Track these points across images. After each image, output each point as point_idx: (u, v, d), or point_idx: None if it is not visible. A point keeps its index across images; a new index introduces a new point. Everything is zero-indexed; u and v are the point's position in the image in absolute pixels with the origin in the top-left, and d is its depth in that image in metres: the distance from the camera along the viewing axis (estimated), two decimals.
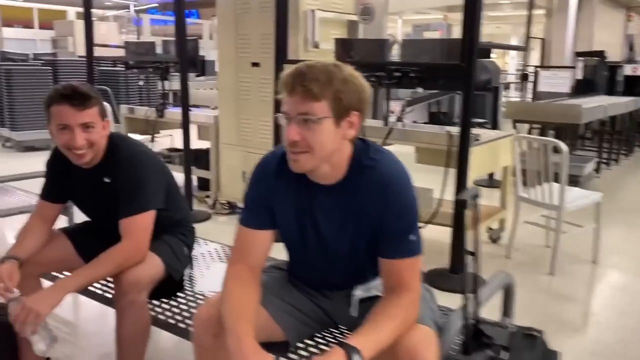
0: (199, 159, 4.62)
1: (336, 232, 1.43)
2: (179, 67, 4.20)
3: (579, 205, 3.33)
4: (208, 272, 2.16)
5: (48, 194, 1.97)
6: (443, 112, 9.65)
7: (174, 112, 4.75)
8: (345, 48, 3.73)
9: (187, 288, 2.03)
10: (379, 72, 3.50)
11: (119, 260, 1.75)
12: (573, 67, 7.36)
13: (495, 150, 3.54)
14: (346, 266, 1.49)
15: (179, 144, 5.59)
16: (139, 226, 1.82)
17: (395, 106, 7.14)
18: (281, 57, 3.65)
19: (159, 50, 4.82)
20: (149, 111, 4.70)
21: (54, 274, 2.10)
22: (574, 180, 4.33)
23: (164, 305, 1.93)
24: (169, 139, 5.17)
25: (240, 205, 4.43)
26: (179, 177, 2.83)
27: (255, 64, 4.05)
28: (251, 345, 1.26)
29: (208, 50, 11.13)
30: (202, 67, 5.08)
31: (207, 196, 4.61)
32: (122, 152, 1.86)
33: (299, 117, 1.29)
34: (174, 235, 2.04)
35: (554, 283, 3.24)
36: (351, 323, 1.57)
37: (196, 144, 4.52)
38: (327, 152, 1.33)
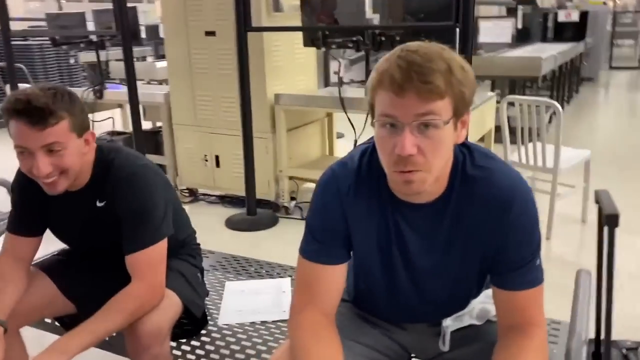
0: (148, 142, 4.13)
1: (434, 262, 1.14)
2: (117, 40, 3.66)
3: (572, 166, 3.24)
4: (221, 295, 1.82)
5: (19, 226, 1.54)
6: None
7: (115, 92, 4.20)
8: (315, 9, 3.35)
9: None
10: (357, 36, 3.18)
11: (132, 307, 1.39)
12: (514, 17, 7.30)
13: (483, 114, 3.36)
14: (443, 299, 1.22)
15: (120, 127, 5.07)
16: (152, 262, 1.45)
17: (336, 65, 6.82)
18: (243, 23, 3.23)
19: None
20: (85, 92, 4.10)
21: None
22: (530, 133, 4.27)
23: (184, 348, 1.59)
24: (109, 122, 4.59)
25: (203, 191, 4.12)
26: None
27: (209, 33, 3.58)
28: None
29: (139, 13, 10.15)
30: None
31: None
32: (119, 169, 1.46)
33: (416, 123, 0.97)
34: (184, 259, 1.69)
35: (553, 248, 3.15)
36: (431, 357, 1.32)
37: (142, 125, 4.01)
38: (444, 164, 1.04)
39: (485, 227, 1.08)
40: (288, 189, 3.70)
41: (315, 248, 1.15)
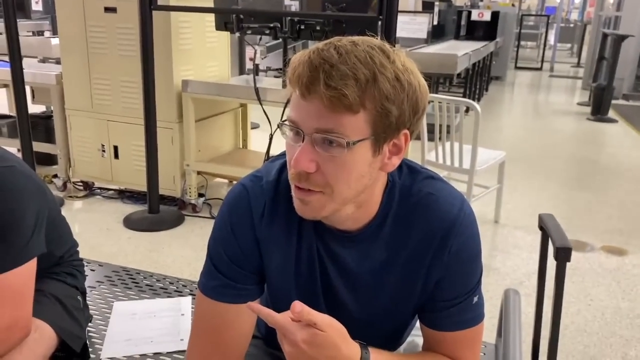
0: (37, 128, 3.66)
1: (362, 298, 0.96)
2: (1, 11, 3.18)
3: (488, 167, 3.22)
4: (108, 319, 1.55)
5: None
6: None
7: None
8: None
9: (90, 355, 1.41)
10: (274, 23, 2.96)
11: None
12: (430, 12, 7.36)
13: None
14: (368, 338, 1.04)
15: (4, 109, 4.50)
16: (14, 289, 1.15)
17: (251, 52, 6.56)
18: (148, 0, 2.89)
19: None
20: None
21: None
22: (448, 131, 4.29)
23: None
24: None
25: (100, 184, 3.71)
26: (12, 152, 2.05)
27: (109, 9, 3.19)
28: None
29: None
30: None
31: (55, 175, 3.71)
32: None
33: (318, 136, 0.78)
34: (60, 279, 1.39)
35: None
36: None
37: (30, 108, 3.54)
38: (354, 193, 0.84)
39: (424, 259, 0.91)
40: (196, 184, 3.41)
41: (220, 283, 0.93)
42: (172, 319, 1.54)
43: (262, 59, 7.06)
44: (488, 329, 1.47)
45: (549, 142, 5.78)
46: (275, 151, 3.24)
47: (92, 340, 1.45)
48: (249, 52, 6.89)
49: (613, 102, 7.04)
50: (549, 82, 10.53)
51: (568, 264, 1.11)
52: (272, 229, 0.92)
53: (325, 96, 0.75)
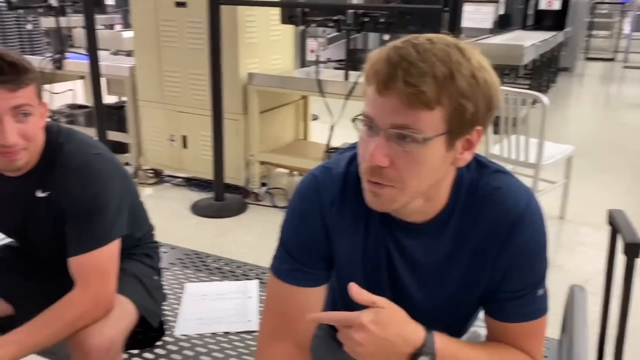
0: (111, 118, 3.87)
1: (427, 288, 0.99)
2: (79, 6, 3.38)
3: (555, 161, 3.14)
4: (180, 299, 1.65)
5: None
6: (360, 49, 9.31)
7: (76, 63, 3.90)
8: None
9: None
10: (338, 15, 2.99)
11: (70, 317, 1.20)
12: (496, 1, 7.16)
13: None
14: (431, 327, 1.07)
15: (82, 100, 4.77)
16: (100, 266, 1.26)
17: (313, 44, 6.58)
18: None
19: None
20: (43, 62, 3.81)
21: None
22: (514, 123, 4.19)
23: None
24: (69, 94, 4.30)
25: (169, 172, 3.89)
26: None
27: (180, 4, 3.33)
28: None
29: None
30: None
31: (127, 163, 3.92)
32: (69, 156, 1.26)
33: (393, 132, 0.80)
34: (139, 260, 1.50)
35: None
36: None
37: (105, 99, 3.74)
38: (425, 187, 0.86)
39: (490, 252, 0.92)
40: (259, 174, 3.51)
41: (291, 267, 0.99)
42: (240, 301, 1.62)
43: (323, 50, 7.12)
44: (551, 325, 1.46)
45: (620, 136, 5.52)
46: (335, 143, 3.28)
47: (166, 318, 1.55)
48: (310, 44, 6.98)
49: None
50: (622, 74, 10.00)
51: (637, 261, 1.09)
52: (340, 218, 0.96)
53: (403, 93, 0.77)
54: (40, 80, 1.22)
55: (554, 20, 8.49)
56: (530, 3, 8.76)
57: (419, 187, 0.85)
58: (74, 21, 4.07)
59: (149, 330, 1.43)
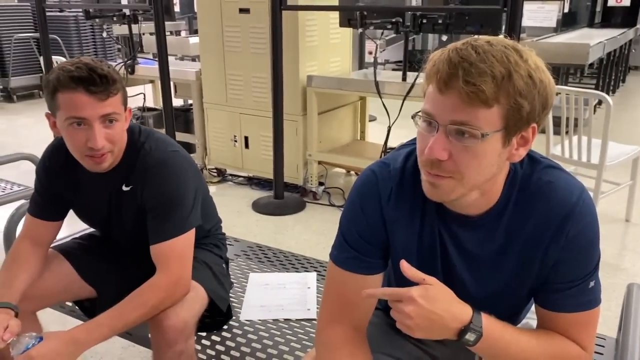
0: (178, 119, 4.08)
1: (480, 278, 1.04)
2: (150, 14, 3.59)
3: (619, 162, 3.05)
4: (244, 287, 1.75)
5: (43, 210, 1.49)
6: (419, 50, 9.27)
7: (147, 68, 4.15)
8: None
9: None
10: (396, 18, 3.03)
11: (155, 299, 1.32)
12: None
13: None
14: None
15: (151, 103, 5.03)
16: (178, 253, 1.38)
17: (371, 46, 6.61)
18: (278, 1, 3.11)
19: None
20: (117, 66, 4.05)
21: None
22: (576, 124, 4.09)
23: (203, 342, 1.52)
24: (139, 98, 4.54)
25: (231, 171, 4.06)
26: None
27: (243, 10, 3.47)
28: None
29: None
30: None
31: None
32: (150, 154, 1.40)
33: (452, 128, 0.86)
34: (209, 249, 1.62)
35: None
36: None
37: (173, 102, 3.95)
38: (482, 180, 0.91)
39: (541, 244, 0.96)
40: (317, 173, 3.61)
41: (350, 256, 1.06)
42: (299, 291, 1.70)
43: (381, 52, 7.17)
44: (612, 324, 1.46)
45: None
46: (392, 143, 3.33)
47: (232, 304, 1.65)
48: (368, 46, 7.03)
49: None
50: None
51: None
52: (397, 211, 1.03)
53: (463, 91, 0.83)
54: (124, 87, 1.35)
55: (624, 17, 8.15)
56: (598, 0, 8.46)
57: (477, 179, 0.91)
58: (145, 28, 4.31)
59: (217, 315, 1.54)
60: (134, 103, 4.59)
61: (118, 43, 4.51)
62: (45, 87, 1.29)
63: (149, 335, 1.50)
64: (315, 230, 3.20)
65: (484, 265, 1.03)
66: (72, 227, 1.75)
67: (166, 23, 5.59)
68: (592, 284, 0.98)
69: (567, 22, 7.39)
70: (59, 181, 1.47)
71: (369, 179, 1.05)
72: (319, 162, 3.60)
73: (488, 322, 0.93)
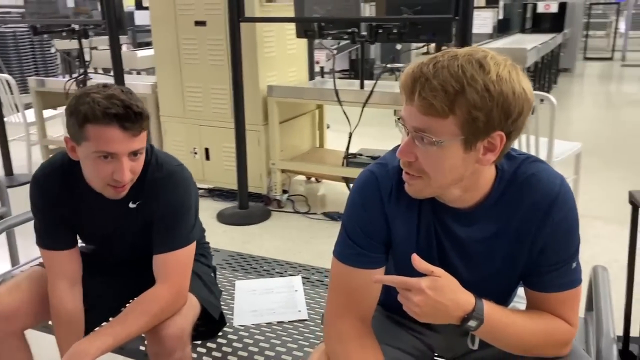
0: None
1: (472, 265, 1.13)
2: (102, 29, 3.55)
3: (564, 158, 3.28)
4: (233, 295, 1.78)
5: (58, 240, 1.46)
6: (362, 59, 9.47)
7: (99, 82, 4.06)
8: (308, 1, 3.29)
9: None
10: (352, 28, 3.15)
11: (156, 309, 1.34)
12: (495, 7, 7.34)
13: None
14: None
15: None
16: (180, 264, 1.41)
17: (320, 56, 6.76)
18: (237, 13, 3.15)
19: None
20: (68, 83, 3.97)
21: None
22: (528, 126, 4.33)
23: (199, 350, 1.55)
24: None
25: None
26: None
27: (200, 23, 3.49)
28: None
29: None
30: None
31: None
32: (157, 168, 1.42)
33: (416, 134, 0.96)
34: (196, 259, 1.62)
35: None
36: (457, 356, 1.32)
37: None
38: (450, 180, 1.01)
39: (529, 231, 1.06)
40: (280, 181, 3.66)
41: (354, 252, 1.13)
42: (288, 294, 1.75)
43: (327, 61, 7.31)
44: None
45: (625, 133, 5.67)
46: (353, 149, 3.43)
47: (223, 311, 1.68)
48: (317, 56, 7.16)
49: None
50: (621, 72, 10.17)
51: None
52: (397, 207, 1.11)
53: (419, 104, 0.93)
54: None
55: (552, 23, 8.67)
56: (528, 7, 8.96)
57: (442, 181, 1.00)
58: (93, 43, 4.23)
59: (210, 323, 1.57)
60: None
61: (69, 59, 4.38)
62: (71, 115, 1.27)
63: (141, 348, 1.52)
64: (283, 237, 3.24)
65: (476, 253, 1.12)
66: None
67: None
68: (574, 264, 1.09)
69: (502, 28, 7.78)
70: (61, 208, 1.44)
71: (369, 179, 1.12)
72: (283, 171, 3.66)
73: (489, 308, 1.02)
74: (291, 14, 3.39)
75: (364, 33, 3.12)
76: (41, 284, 1.50)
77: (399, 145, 1.17)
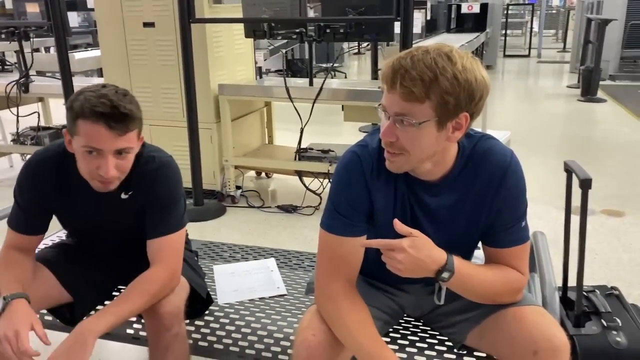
0: None
1: (440, 229, 1.32)
2: (44, 31, 3.52)
3: None
4: (213, 279, 1.90)
5: (29, 227, 1.54)
6: (299, 59, 9.66)
7: (41, 85, 4.01)
8: (255, 2, 3.42)
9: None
10: (300, 29, 3.32)
11: (154, 290, 1.45)
12: (424, 8, 7.74)
13: None
14: None
15: (43, 122, 4.81)
16: (174, 247, 1.52)
17: (258, 56, 6.91)
18: (187, 15, 3.24)
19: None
20: (9, 86, 3.88)
21: None
22: None
23: (188, 328, 1.66)
24: (34, 117, 4.35)
25: None
26: None
27: (148, 24, 3.54)
28: None
29: None
30: None
31: None
32: (149, 160, 1.52)
33: (397, 117, 1.15)
34: None
35: None
36: (425, 313, 1.53)
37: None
38: (426, 155, 1.21)
39: (489, 195, 1.27)
40: (234, 178, 3.77)
41: (340, 223, 1.29)
42: (265, 275, 1.90)
43: (264, 61, 7.44)
44: None
45: (543, 123, 6.18)
46: (304, 144, 3.60)
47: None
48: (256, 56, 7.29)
49: (601, 83, 7.46)
50: (537, 68, 10.95)
51: (572, 227, 1.45)
52: (378, 182, 1.28)
53: (401, 92, 1.11)
54: (141, 119, 1.43)
55: (474, 23, 9.24)
56: (452, 8, 9.48)
57: (420, 156, 1.19)
58: (31, 44, 4.16)
59: (197, 303, 1.69)
60: (27, 123, 4.39)
61: (8, 61, 4.27)
62: (68, 110, 1.37)
63: (128, 331, 1.61)
64: (241, 230, 3.36)
65: (443, 219, 1.32)
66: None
67: (44, 40, 5.38)
68: (523, 224, 1.32)
69: (430, 28, 8.22)
70: (48, 196, 1.52)
71: (352, 158, 1.30)
72: (236, 167, 3.76)
73: (458, 261, 1.21)
74: (239, 15, 3.51)
75: (312, 33, 3.29)
76: (33, 274, 1.56)
77: (378, 129, 1.35)
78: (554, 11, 17.24)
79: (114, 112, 1.33)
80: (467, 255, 1.43)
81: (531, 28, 12.99)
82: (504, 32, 12.29)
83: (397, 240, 1.16)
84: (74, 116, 1.36)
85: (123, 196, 1.52)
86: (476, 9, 8.91)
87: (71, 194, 1.53)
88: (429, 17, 8.07)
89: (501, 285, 1.29)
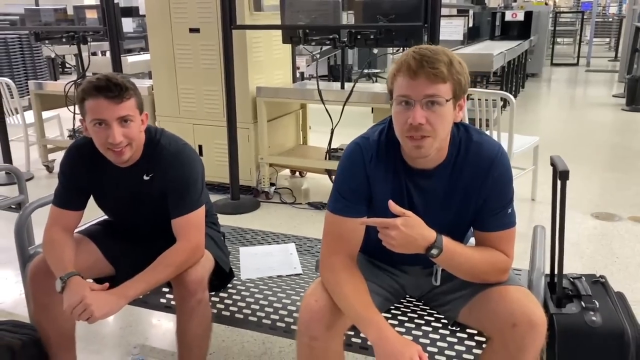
0: None
1: (436, 213, 1.47)
2: (99, 35, 3.85)
3: (523, 150, 3.67)
4: (238, 258, 2.11)
5: (69, 202, 1.78)
6: (340, 65, 9.86)
7: None
8: (293, 10, 3.64)
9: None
10: (333, 35, 3.50)
11: (179, 261, 1.66)
12: (466, 15, 7.80)
13: None
14: None
15: None
16: (194, 224, 1.73)
17: (300, 62, 7.14)
18: (229, 21, 3.48)
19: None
20: (68, 85, 4.24)
21: None
22: (487, 124, 4.74)
23: (213, 299, 1.86)
24: None
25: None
26: None
27: (194, 30, 3.81)
28: (397, 336, 1.31)
29: None
30: None
31: None
32: (167, 146, 1.73)
33: (425, 100, 1.30)
34: (209, 225, 1.95)
35: None
36: (424, 293, 1.67)
37: None
38: (445, 135, 1.36)
39: (478, 183, 1.42)
40: (268, 175, 3.98)
41: (343, 205, 1.47)
42: (284, 257, 2.09)
43: (307, 67, 7.67)
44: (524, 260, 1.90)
45: (583, 131, 6.14)
46: (334, 144, 3.78)
47: (232, 268, 2.00)
48: (298, 62, 7.53)
49: None
50: (585, 77, 10.76)
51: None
52: (377, 170, 1.45)
53: (430, 74, 1.28)
54: (138, 95, 1.66)
55: (519, 30, 9.21)
56: (496, 15, 9.47)
57: (443, 134, 1.35)
58: (88, 48, 4.52)
59: (221, 277, 1.89)
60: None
61: (68, 64, 4.65)
62: (77, 98, 1.62)
63: (161, 300, 1.83)
64: (272, 224, 3.57)
65: (436, 205, 1.47)
66: (86, 215, 2.03)
67: (101, 44, 5.78)
68: (509, 210, 1.45)
69: (472, 35, 8.27)
70: (84, 176, 1.76)
71: (355, 149, 1.47)
72: (270, 165, 3.98)
73: (446, 240, 1.36)
74: (278, 22, 3.73)
75: (344, 39, 3.47)
76: (81, 247, 1.80)
77: (378, 124, 1.52)
78: (609, 19, 16.82)
79: (108, 83, 1.56)
80: (460, 239, 1.57)
81: (581, 36, 12.74)
82: (552, 39, 12.12)
83: (391, 219, 1.32)
84: (80, 99, 1.60)
85: (145, 178, 1.73)
86: (520, 16, 8.87)
87: (100, 175, 1.76)
88: (471, 25, 8.12)
89: (487, 264, 1.43)
